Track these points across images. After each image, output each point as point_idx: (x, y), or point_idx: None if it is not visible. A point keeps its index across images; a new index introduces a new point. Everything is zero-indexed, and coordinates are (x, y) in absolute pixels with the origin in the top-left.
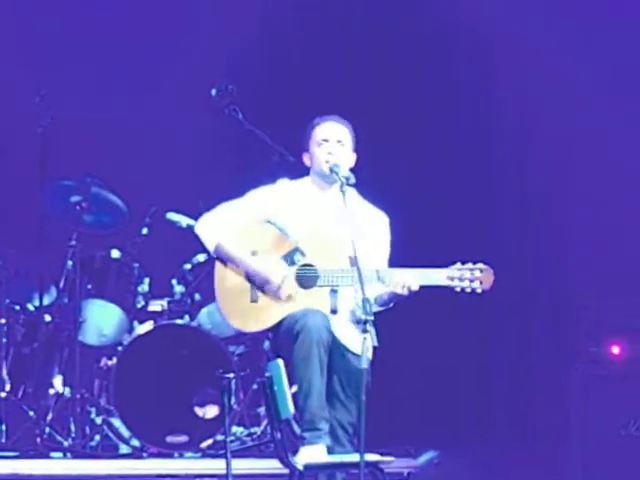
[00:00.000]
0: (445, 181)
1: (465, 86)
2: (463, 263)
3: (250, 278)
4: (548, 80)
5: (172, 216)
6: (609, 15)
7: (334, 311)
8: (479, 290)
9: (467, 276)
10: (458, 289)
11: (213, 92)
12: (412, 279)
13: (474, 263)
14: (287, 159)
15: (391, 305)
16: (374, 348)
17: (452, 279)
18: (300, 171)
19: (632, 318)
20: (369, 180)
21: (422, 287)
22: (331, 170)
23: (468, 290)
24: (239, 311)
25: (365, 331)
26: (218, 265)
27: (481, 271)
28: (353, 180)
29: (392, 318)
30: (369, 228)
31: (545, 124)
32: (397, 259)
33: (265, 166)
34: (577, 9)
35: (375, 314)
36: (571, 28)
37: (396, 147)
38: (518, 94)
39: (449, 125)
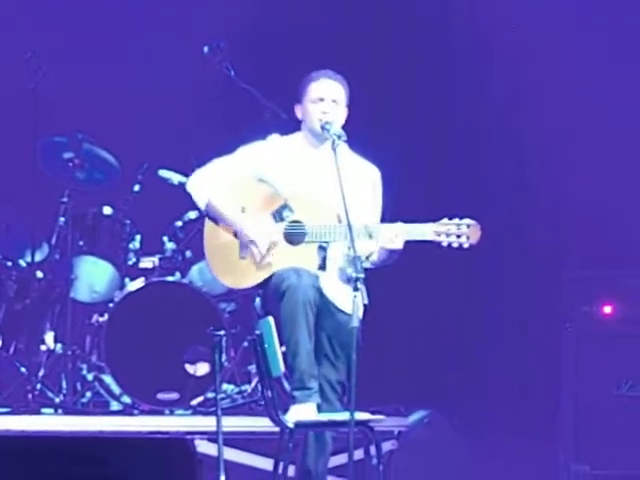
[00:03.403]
0: (437, 134)
1: (459, 40)
2: (450, 218)
3: (237, 236)
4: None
5: (164, 173)
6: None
7: (322, 267)
8: (466, 245)
9: (454, 231)
10: (445, 244)
11: (205, 49)
12: (400, 232)
13: (461, 219)
14: (279, 116)
15: (383, 263)
16: (364, 306)
17: (439, 234)
18: (291, 128)
19: (624, 277)
20: (361, 133)
21: (410, 242)
22: (323, 128)
23: (455, 245)
24: (228, 268)
25: (356, 289)
26: (208, 222)
27: (468, 226)
28: (345, 137)
29: (382, 276)
30: (360, 182)
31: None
32: (388, 214)
33: (257, 123)
34: None
35: (365, 271)
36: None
37: (389, 100)
38: (514, 49)
39: (442, 77)
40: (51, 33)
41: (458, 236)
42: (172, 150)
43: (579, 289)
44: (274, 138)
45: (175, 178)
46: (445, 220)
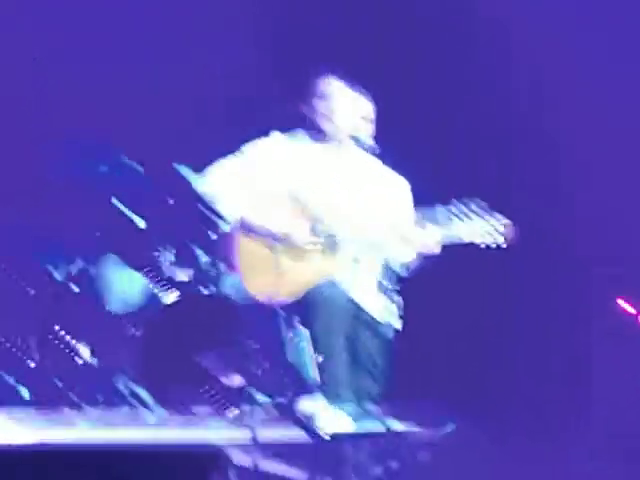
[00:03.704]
0: (465, 125)
1: (461, 31)
2: (486, 219)
3: (274, 243)
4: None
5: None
6: None
7: (357, 278)
8: (501, 246)
9: (489, 230)
10: (483, 245)
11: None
12: (437, 237)
13: (493, 214)
14: (285, 109)
15: (418, 268)
16: (400, 318)
17: (476, 234)
18: (297, 121)
19: None
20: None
21: (445, 247)
22: (354, 138)
23: (490, 244)
24: (262, 283)
25: (389, 300)
26: (241, 237)
27: (503, 226)
28: (377, 150)
29: (416, 280)
30: (390, 193)
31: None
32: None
33: (260, 116)
34: None
35: (402, 280)
36: None
37: (411, 94)
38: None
39: (462, 65)
40: (50, 28)
41: (494, 235)
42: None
43: (607, 286)
44: (277, 136)
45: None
46: (478, 219)
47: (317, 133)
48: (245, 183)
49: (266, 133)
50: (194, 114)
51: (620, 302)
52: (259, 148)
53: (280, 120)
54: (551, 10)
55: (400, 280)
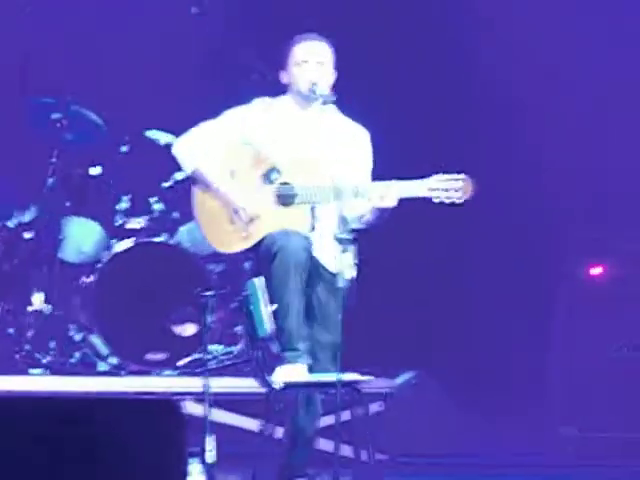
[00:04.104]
0: (426, 90)
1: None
2: (443, 174)
3: (225, 204)
4: None
5: (151, 133)
6: None
7: (313, 229)
8: (459, 201)
9: (447, 186)
10: (438, 200)
11: (193, 10)
12: (391, 191)
13: (456, 173)
14: (266, 77)
15: (376, 223)
16: (356, 267)
17: (432, 190)
18: (278, 91)
19: (616, 238)
20: (349, 94)
21: (401, 201)
22: (310, 90)
23: (448, 201)
24: (218, 231)
25: (345, 250)
26: (196, 189)
27: (461, 181)
28: (333, 98)
29: (372, 235)
30: (350, 144)
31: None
32: (378, 173)
33: (244, 85)
34: None
35: (356, 232)
36: None
37: (376, 59)
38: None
39: (429, 34)
40: None
41: (453, 191)
42: (160, 110)
43: (570, 250)
44: (259, 101)
45: (163, 139)
46: (437, 176)
47: (298, 98)
48: (211, 144)
49: (250, 99)
50: (178, 78)
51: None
52: (238, 113)
53: (267, 85)
54: None
55: (356, 231)
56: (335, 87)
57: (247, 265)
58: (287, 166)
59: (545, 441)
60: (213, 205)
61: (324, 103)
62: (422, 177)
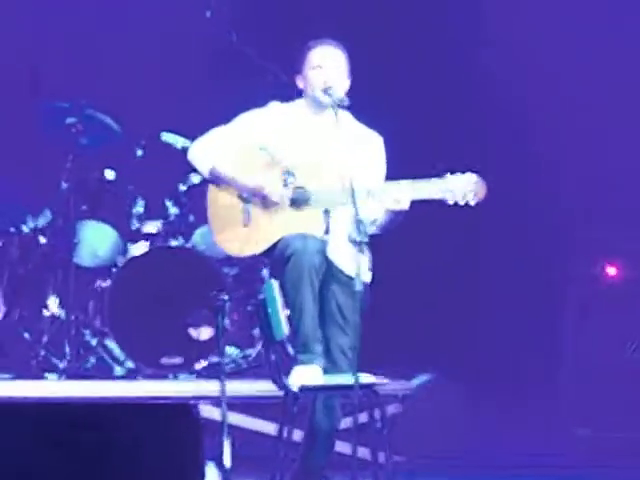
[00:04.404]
0: (429, 91)
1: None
2: (453, 173)
3: (244, 196)
4: None
5: (167, 137)
6: None
7: (327, 232)
8: (472, 202)
9: (461, 187)
10: (451, 201)
11: (208, 13)
12: (405, 191)
13: (465, 173)
14: (281, 79)
15: (390, 226)
16: (371, 270)
17: (446, 190)
18: (292, 93)
19: (629, 238)
20: (363, 100)
21: (414, 205)
22: (324, 92)
23: (462, 202)
24: (231, 235)
25: (360, 252)
26: (211, 189)
27: (475, 181)
28: (347, 102)
29: (383, 239)
30: (364, 149)
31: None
32: (392, 176)
33: (259, 87)
34: None
35: (371, 237)
36: None
37: (379, 63)
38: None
39: (441, 40)
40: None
41: (467, 192)
42: (175, 114)
43: (583, 250)
44: (274, 105)
45: (178, 142)
46: (452, 176)
47: (313, 102)
48: (227, 147)
49: (265, 102)
50: (194, 81)
51: (599, 265)
52: (252, 117)
53: (282, 87)
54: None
55: (370, 234)
56: (349, 96)
57: (263, 268)
58: (301, 169)
59: (559, 442)
60: (228, 206)
61: (339, 107)
62: (432, 177)
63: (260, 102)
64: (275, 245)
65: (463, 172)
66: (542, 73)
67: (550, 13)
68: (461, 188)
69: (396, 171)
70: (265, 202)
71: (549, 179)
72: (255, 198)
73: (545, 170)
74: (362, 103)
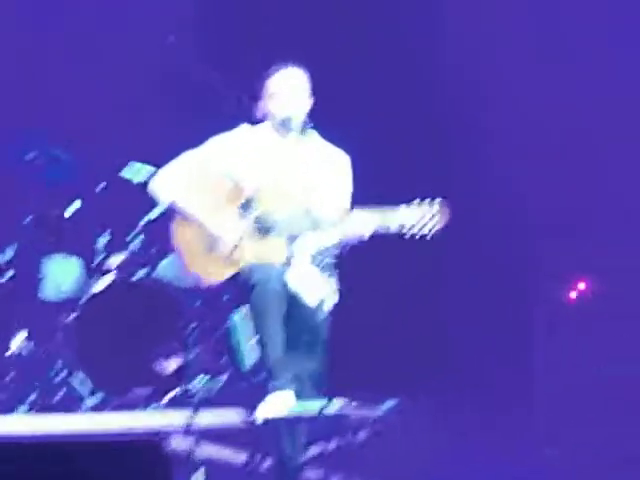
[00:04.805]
0: (402, 117)
1: (421, 24)
2: (421, 200)
3: (204, 236)
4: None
5: (126, 173)
6: None
7: (291, 258)
8: (435, 227)
9: (424, 213)
10: (415, 230)
11: (170, 39)
12: (371, 221)
13: (430, 199)
14: (247, 103)
15: (351, 245)
16: (335, 295)
17: (408, 217)
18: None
19: (598, 254)
20: (327, 119)
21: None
22: (282, 123)
23: (426, 229)
24: (196, 263)
25: (325, 276)
26: (176, 218)
27: (437, 206)
28: (308, 127)
29: (351, 262)
30: (330, 170)
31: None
32: (358, 198)
33: (225, 112)
34: None
35: (335, 259)
36: None
37: (354, 87)
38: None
39: (405, 59)
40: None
41: (427, 218)
42: (140, 144)
43: (551, 267)
44: (244, 128)
45: (137, 178)
46: (414, 202)
47: (280, 125)
48: (190, 175)
49: (233, 126)
50: (157, 109)
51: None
52: (220, 141)
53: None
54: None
55: (334, 260)
56: (313, 112)
57: (228, 297)
58: (265, 196)
59: (529, 462)
60: (192, 235)
61: (301, 132)
62: (399, 203)
63: (225, 128)
64: (239, 273)
65: (427, 194)
66: (510, 92)
67: (520, 39)
68: (422, 214)
69: (362, 191)
70: (221, 252)
71: (516, 198)
72: (212, 238)
73: (512, 188)
74: (329, 122)
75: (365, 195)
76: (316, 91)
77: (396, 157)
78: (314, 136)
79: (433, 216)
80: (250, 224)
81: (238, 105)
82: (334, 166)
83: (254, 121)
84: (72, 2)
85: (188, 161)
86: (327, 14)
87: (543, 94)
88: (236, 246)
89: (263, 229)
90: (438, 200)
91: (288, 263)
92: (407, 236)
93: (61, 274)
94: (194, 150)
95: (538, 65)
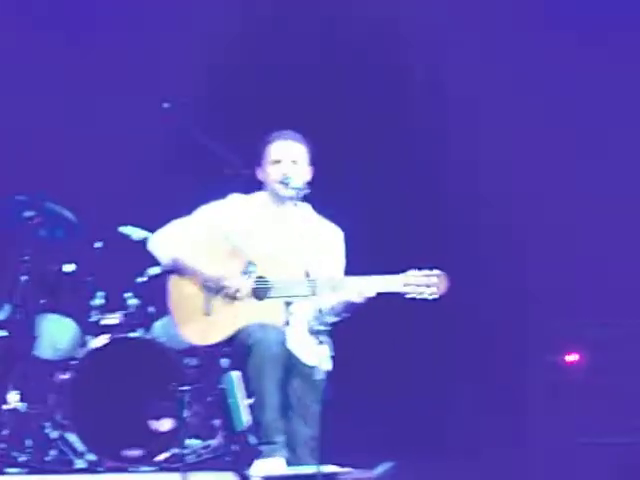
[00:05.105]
0: (398, 191)
1: (417, 92)
2: (418, 269)
3: (206, 286)
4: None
5: (125, 229)
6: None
7: (288, 322)
8: (434, 296)
9: (422, 282)
10: (413, 295)
11: (165, 105)
12: (367, 286)
13: (428, 269)
14: (240, 172)
15: (347, 314)
16: (331, 359)
17: (407, 285)
18: (253, 185)
19: (589, 327)
20: (324, 192)
21: (377, 294)
22: (282, 182)
23: (423, 296)
24: (193, 324)
25: (320, 342)
26: (172, 279)
27: (436, 277)
28: (306, 191)
29: (348, 328)
30: (323, 242)
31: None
32: (353, 269)
33: (218, 180)
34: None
35: (331, 324)
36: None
37: (350, 158)
38: (468, 102)
39: (400, 134)
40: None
41: (427, 286)
42: (134, 206)
43: (544, 338)
44: (234, 197)
45: (136, 234)
46: (413, 271)
47: (274, 195)
48: (189, 237)
49: (224, 194)
50: (152, 173)
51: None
52: (213, 208)
53: (241, 180)
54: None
55: (330, 324)
56: (311, 185)
57: (223, 359)
58: (263, 260)
59: None
60: (189, 295)
61: (297, 196)
62: (397, 272)
63: (219, 195)
64: (236, 335)
65: (425, 267)
66: (505, 165)
67: (514, 114)
68: (420, 283)
69: (358, 265)
70: (225, 293)
71: (511, 271)
72: (216, 288)
73: (507, 262)
74: (324, 197)
75: (361, 266)
76: (315, 163)
77: (394, 229)
78: (309, 209)
79: (430, 285)
80: (249, 286)
81: (232, 172)
82: (329, 239)
83: (245, 190)
84: (70, 68)
85: (187, 223)
86: (326, 82)
87: (539, 166)
88: (238, 290)
89: (261, 291)
90: (436, 271)
91: (285, 326)
92: (409, 297)
93: (57, 332)
94: (188, 216)
95: (533, 135)
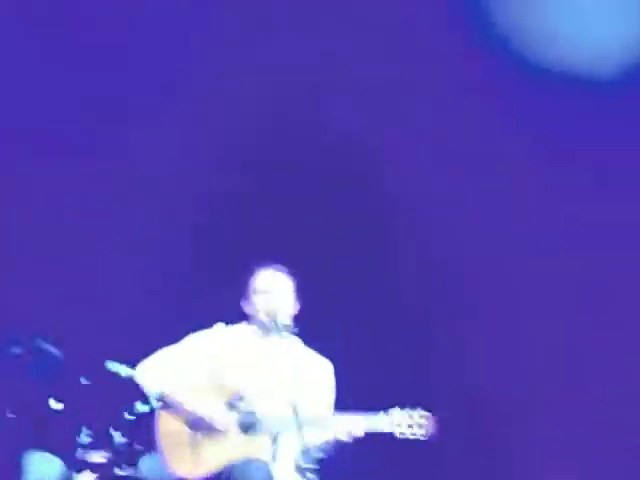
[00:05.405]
0: (386, 324)
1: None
2: (402, 407)
3: (193, 424)
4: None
5: (112, 366)
6: None
7: (275, 457)
8: (421, 437)
9: (411, 422)
10: (402, 436)
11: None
12: (356, 426)
13: (414, 407)
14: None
15: (335, 452)
16: None
17: (396, 425)
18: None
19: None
20: (312, 325)
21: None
22: (270, 320)
23: (411, 437)
24: (180, 459)
25: (305, 479)
26: (160, 414)
27: (424, 418)
28: (294, 329)
29: (337, 463)
30: (312, 377)
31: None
32: (341, 402)
33: (202, 311)
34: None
35: (317, 462)
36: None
37: (337, 291)
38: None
39: (387, 265)
40: None
41: (417, 427)
42: (120, 341)
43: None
44: (220, 327)
45: (123, 371)
46: (403, 411)
47: (260, 326)
48: (174, 369)
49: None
50: (137, 305)
51: None
52: (200, 339)
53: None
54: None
55: (317, 461)
56: (297, 318)
57: None
58: (249, 395)
59: None
60: (177, 430)
61: (284, 334)
62: (385, 408)
63: (205, 325)
64: (222, 470)
65: (414, 404)
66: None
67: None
68: (410, 424)
69: (346, 399)
70: (211, 429)
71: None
72: (202, 425)
73: (493, 384)
74: (313, 329)
75: (349, 402)
76: (302, 298)
77: (382, 367)
78: (297, 341)
79: (423, 424)
80: (235, 420)
81: (218, 304)
82: (317, 373)
83: (228, 321)
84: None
85: (174, 354)
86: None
87: (528, 261)
88: (224, 428)
89: (248, 426)
90: (424, 412)
91: (272, 461)
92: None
93: (43, 470)
94: (174, 345)
95: (520, 236)
